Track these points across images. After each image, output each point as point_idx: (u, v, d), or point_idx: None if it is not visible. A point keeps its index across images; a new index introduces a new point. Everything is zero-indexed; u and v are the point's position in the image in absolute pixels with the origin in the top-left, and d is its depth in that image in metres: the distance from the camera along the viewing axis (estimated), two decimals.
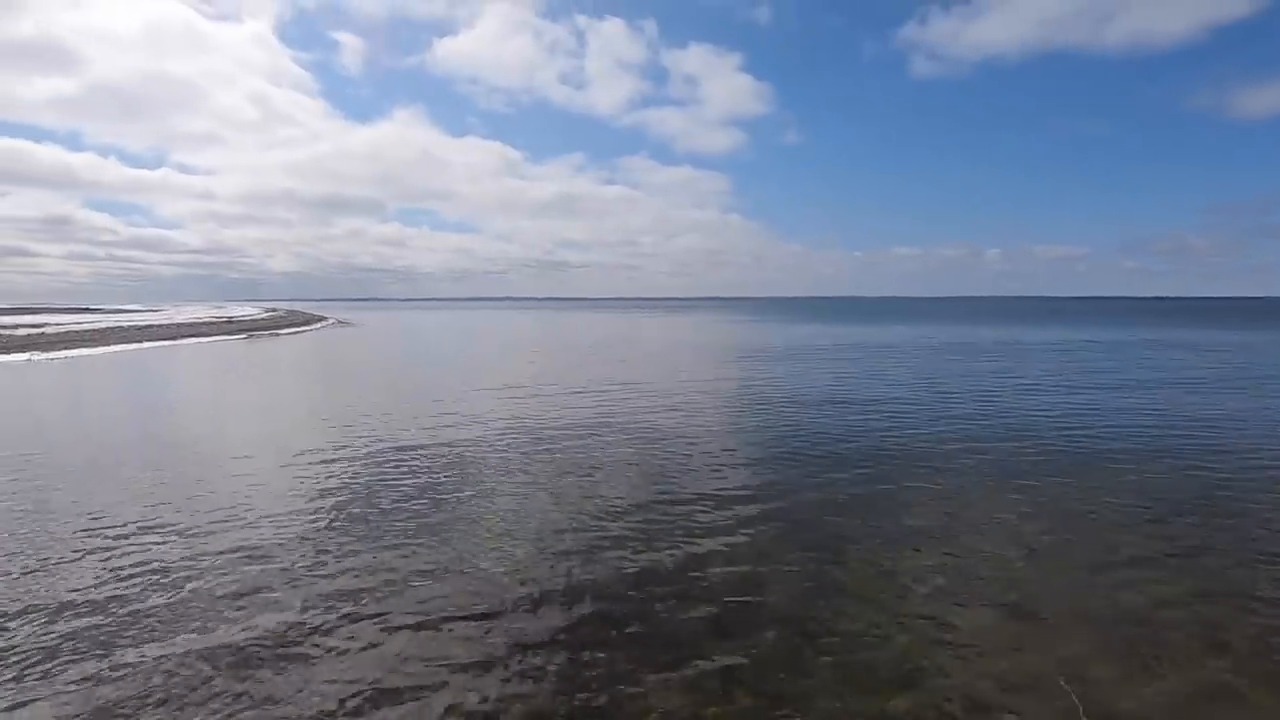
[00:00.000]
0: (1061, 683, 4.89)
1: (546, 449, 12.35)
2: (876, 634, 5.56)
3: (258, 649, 4.96)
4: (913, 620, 5.81)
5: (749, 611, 5.91)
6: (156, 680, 4.60)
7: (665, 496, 9.25)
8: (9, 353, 34.81)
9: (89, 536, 7.63)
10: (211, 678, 4.60)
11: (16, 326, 55.89)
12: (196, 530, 7.97)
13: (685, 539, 7.61)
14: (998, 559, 7.15)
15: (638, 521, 8.17)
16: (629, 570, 6.70)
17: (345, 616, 5.63)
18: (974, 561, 7.03)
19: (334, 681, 4.70)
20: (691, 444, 12.93)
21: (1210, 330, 54.32)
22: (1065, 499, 9.05)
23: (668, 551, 7.22)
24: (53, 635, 5.35)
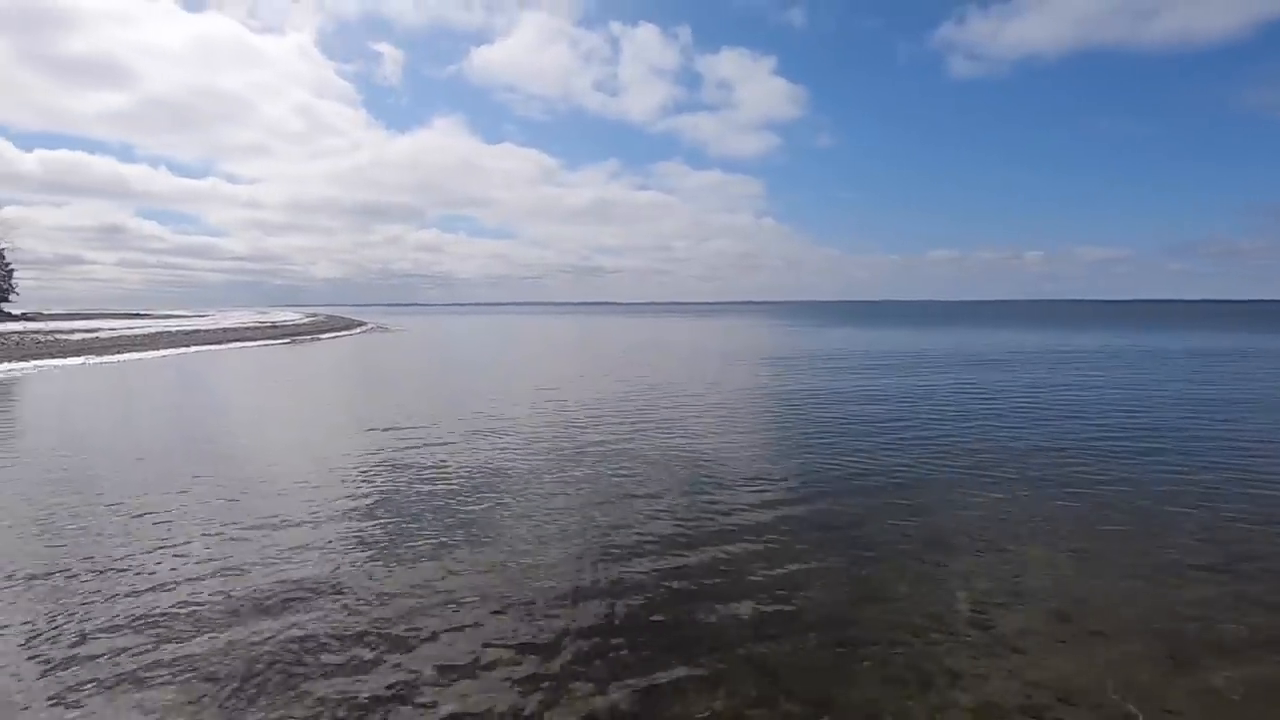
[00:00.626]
0: (1110, 689, 4.79)
1: (584, 451, 12.44)
2: (920, 637, 5.50)
3: (298, 648, 5.07)
4: (957, 624, 5.74)
5: (790, 613, 5.89)
6: (198, 679, 4.72)
7: (703, 499, 9.26)
8: (65, 356, 36.16)
9: (133, 534, 7.89)
10: (253, 675, 4.72)
11: (72, 331, 58.01)
12: (239, 526, 8.20)
13: (724, 541, 7.62)
14: (1044, 563, 7.02)
15: (676, 523, 8.19)
16: (668, 571, 6.72)
17: (385, 612, 5.74)
18: (1018, 566, 6.91)
19: (372, 679, 4.80)
20: (728, 447, 12.90)
21: (1261, 335, 52.33)
22: (1112, 506, 8.84)
23: (707, 552, 7.23)
24: (93, 625, 5.54)
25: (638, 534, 7.68)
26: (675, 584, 6.49)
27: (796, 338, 54.40)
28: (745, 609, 5.95)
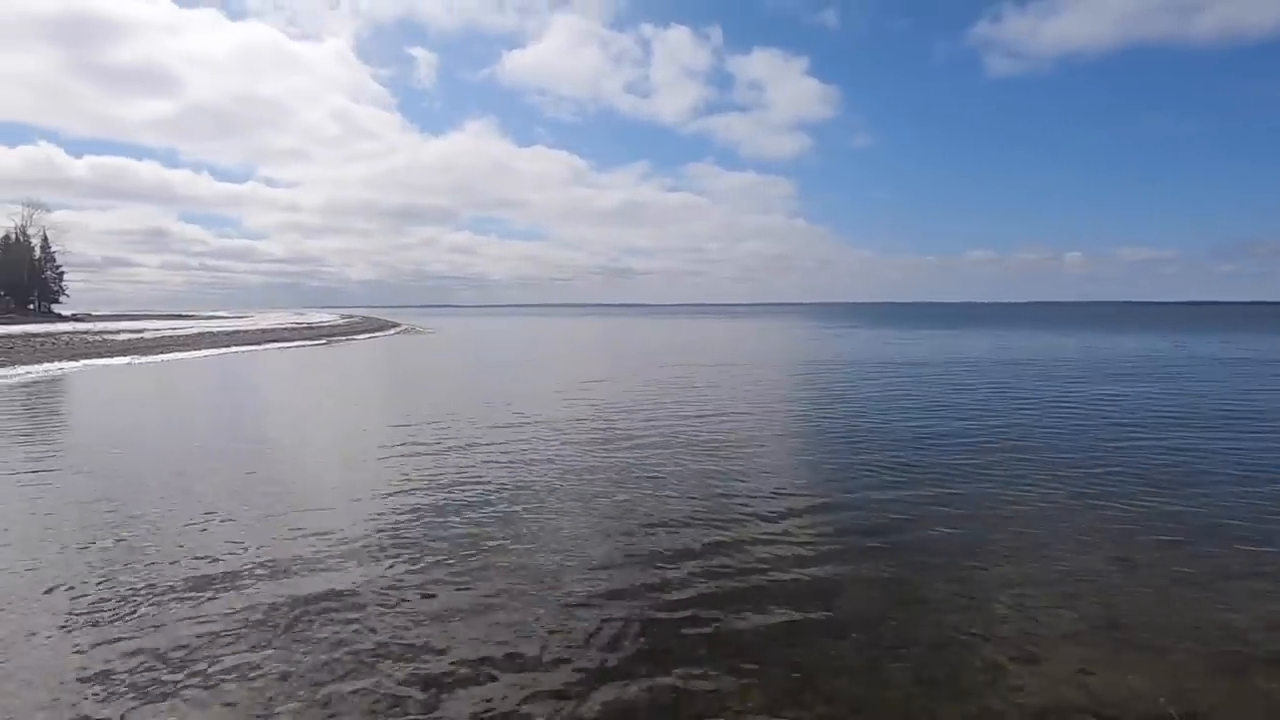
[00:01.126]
0: (1160, 697, 4.63)
1: (618, 453, 12.44)
2: (959, 643, 5.38)
3: (333, 650, 5.12)
4: (997, 631, 5.60)
5: (823, 617, 5.80)
6: (238, 677, 4.78)
7: (736, 502, 9.19)
8: (112, 356, 37.30)
9: (172, 530, 8.07)
10: (291, 674, 4.77)
11: (119, 331, 59.82)
12: (279, 521, 8.34)
13: (757, 543, 7.54)
14: (1088, 571, 6.82)
15: (709, 526, 8.13)
16: (700, 573, 6.67)
17: (426, 608, 5.78)
18: (1061, 573, 6.72)
19: (399, 673, 4.82)
20: (762, 450, 12.80)
21: None
22: (1159, 515, 8.54)
23: (739, 555, 7.16)
24: (137, 619, 5.66)
25: (671, 535, 7.65)
26: (708, 585, 6.45)
27: (830, 339, 53.90)
28: (779, 612, 5.88)
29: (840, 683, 4.91)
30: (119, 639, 5.48)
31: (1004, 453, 12.26)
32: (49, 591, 6.48)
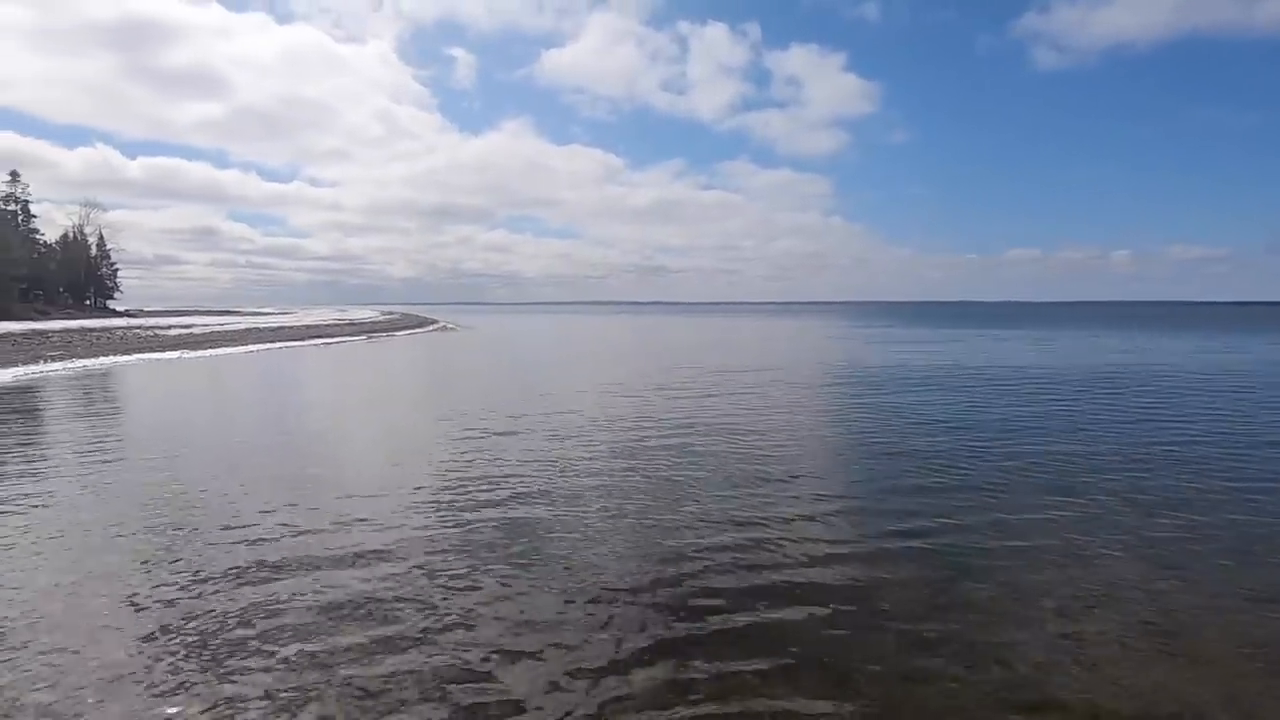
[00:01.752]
0: (1215, 705, 4.51)
1: (650, 448, 12.48)
2: (1003, 649, 5.31)
3: (370, 644, 5.22)
4: (1043, 635, 5.51)
5: (863, 618, 5.77)
6: (278, 673, 4.91)
7: (775, 501, 9.15)
8: (163, 350, 38.57)
9: (229, 516, 8.34)
10: (331, 666, 4.89)
11: (169, 327, 61.81)
12: (320, 511, 8.56)
13: (795, 544, 7.51)
14: (1136, 578, 6.66)
15: (746, 527, 8.12)
16: (735, 574, 6.68)
17: (465, 602, 5.88)
18: (1112, 581, 6.56)
19: (445, 656, 4.91)
20: (800, 451, 12.72)
21: None
22: (1210, 524, 8.26)
23: (777, 556, 7.15)
24: (176, 612, 5.86)
25: (704, 537, 7.65)
26: (742, 585, 6.45)
27: (867, 338, 53.18)
28: (816, 612, 5.87)
29: (879, 682, 4.89)
30: (187, 615, 5.69)
31: (1046, 456, 12.00)
32: (135, 565, 6.76)
